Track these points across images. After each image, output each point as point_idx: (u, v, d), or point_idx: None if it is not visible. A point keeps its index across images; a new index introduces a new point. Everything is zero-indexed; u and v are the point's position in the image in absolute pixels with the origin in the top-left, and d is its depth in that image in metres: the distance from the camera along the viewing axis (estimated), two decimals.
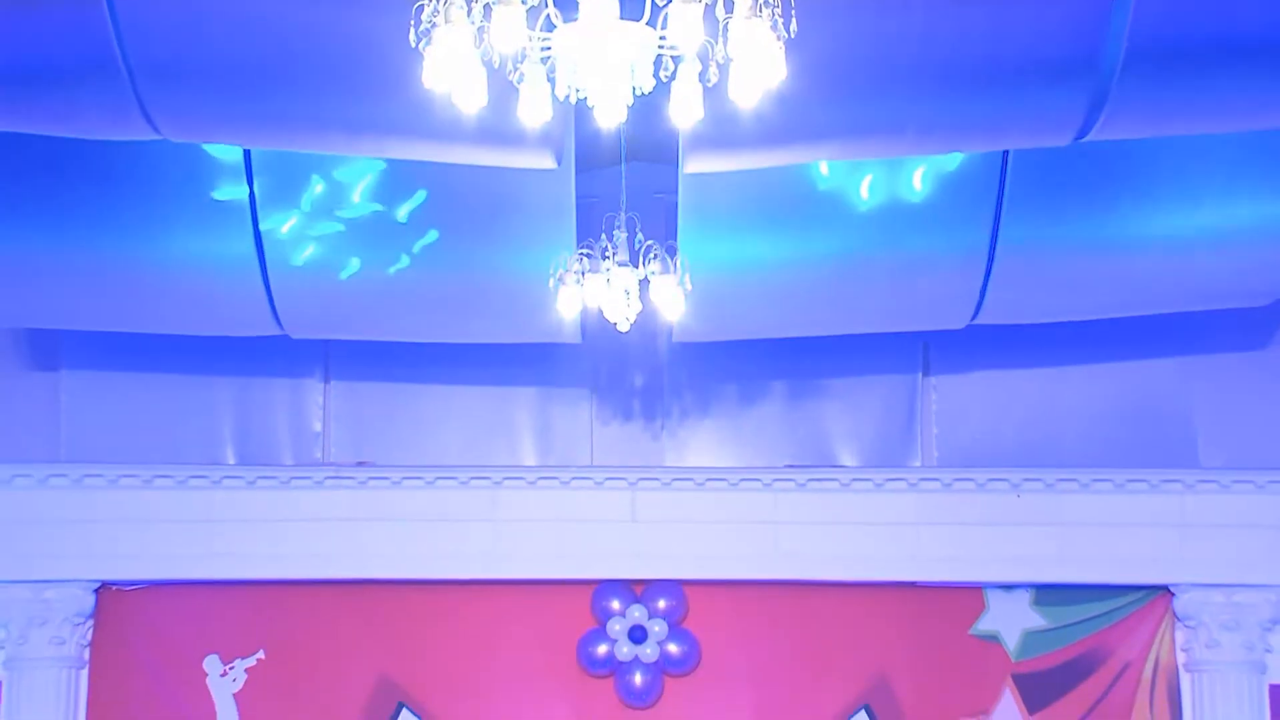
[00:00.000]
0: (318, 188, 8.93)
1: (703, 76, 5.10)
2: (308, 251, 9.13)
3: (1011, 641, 10.12)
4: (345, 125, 7.64)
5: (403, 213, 9.02)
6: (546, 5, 4.87)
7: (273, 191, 8.87)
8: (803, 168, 8.68)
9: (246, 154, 8.72)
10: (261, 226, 8.94)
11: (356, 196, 8.97)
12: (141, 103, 7.36)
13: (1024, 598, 10.13)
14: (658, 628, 10.05)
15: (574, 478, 10.08)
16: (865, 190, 8.94)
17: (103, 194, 8.87)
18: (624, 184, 8.55)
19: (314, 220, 9.02)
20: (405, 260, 9.22)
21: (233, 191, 8.83)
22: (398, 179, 8.85)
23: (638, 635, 10.04)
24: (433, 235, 9.11)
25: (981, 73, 7.35)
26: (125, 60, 7.17)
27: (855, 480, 10.05)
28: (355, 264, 9.23)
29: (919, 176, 8.87)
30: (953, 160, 8.79)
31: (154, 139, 7.76)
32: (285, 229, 9.02)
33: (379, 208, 9.01)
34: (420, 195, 8.93)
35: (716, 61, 5.02)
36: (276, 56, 7.15)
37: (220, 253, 9.05)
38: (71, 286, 9.18)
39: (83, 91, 7.35)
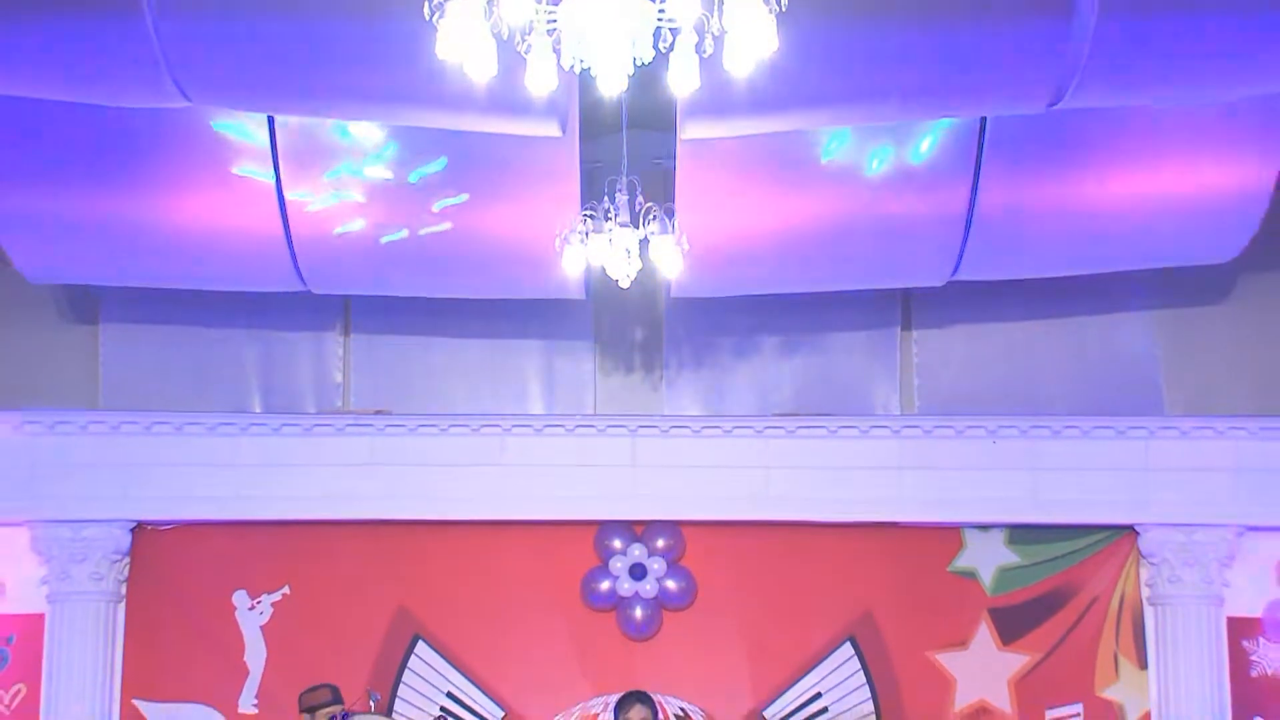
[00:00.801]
0: (339, 155, 8.93)
1: (699, 48, 5.12)
2: (329, 214, 9.14)
3: (987, 577, 10.10)
4: (363, 94, 7.67)
5: (419, 178, 9.03)
6: None
7: (296, 158, 8.88)
8: (795, 137, 8.69)
9: (270, 120, 8.70)
10: (286, 194, 8.97)
11: (376, 164, 8.98)
12: (172, 73, 7.39)
13: (999, 537, 10.11)
14: (656, 565, 10.06)
15: (578, 425, 10.06)
16: (849, 157, 8.97)
17: (138, 162, 8.89)
18: (625, 150, 8.52)
19: (335, 186, 9.03)
20: (421, 222, 9.24)
21: (258, 160, 8.86)
22: (414, 147, 8.85)
23: (638, 572, 10.05)
24: (448, 199, 9.10)
25: (959, 45, 7.37)
26: (157, 33, 7.19)
27: (841, 428, 10.02)
28: (375, 226, 9.24)
29: (904, 149, 8.92)
30: (935, 133, 8.81)
31: (185, 106, 7.79)
32: (308, 194, 9.02)
33: (397, 174, 9.02)
34: (438, 162, 8.94)
35: (712, 33, 5.05)
36: (299, 29, 7.18)
37: (247, 217, 9.09)
38: (109, 247, 9.24)
39: (117, 63, 7.40)
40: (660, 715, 9.59)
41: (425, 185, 9.10)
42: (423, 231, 9.29)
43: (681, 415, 10.23)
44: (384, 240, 9.31)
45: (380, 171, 9.03)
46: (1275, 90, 8.28)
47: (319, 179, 9.03)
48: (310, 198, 9.04)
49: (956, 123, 8.73)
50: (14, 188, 8.95)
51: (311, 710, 8.90)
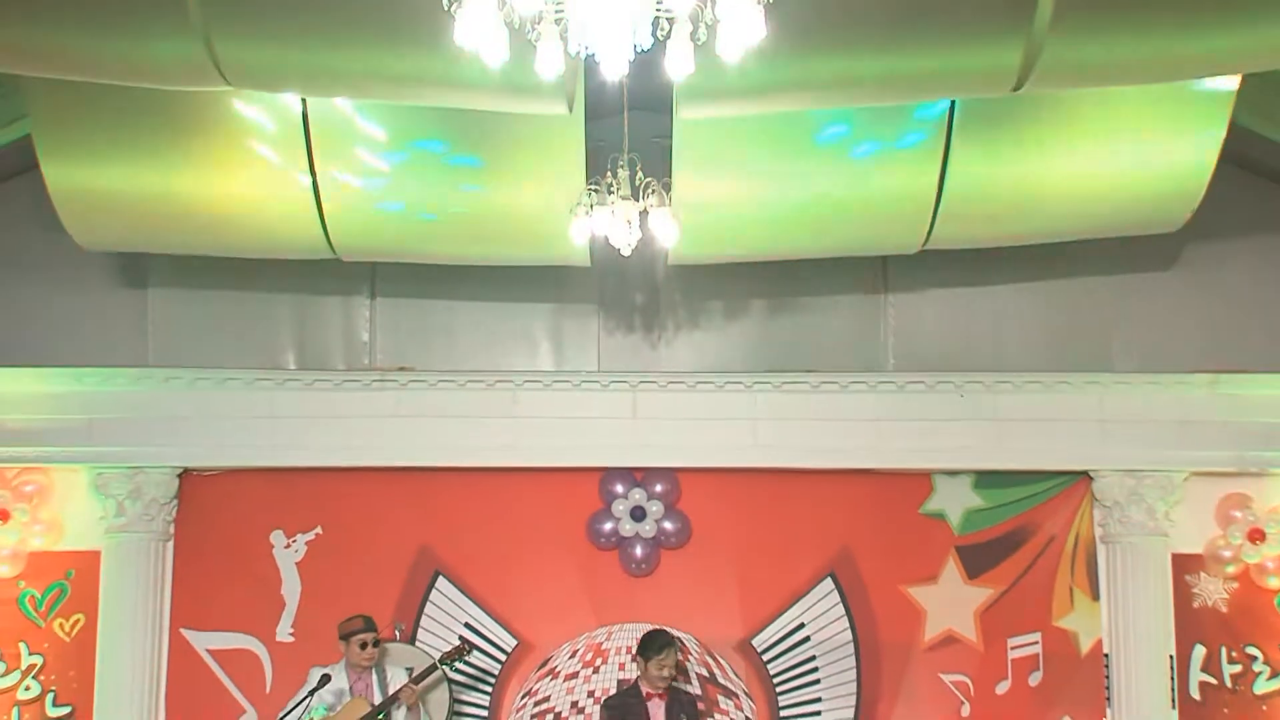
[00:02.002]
0: (367, 134, 8.92)
1: (694, 35, 5.14)
2: (357, 188, 9.12)
3: (955, 519, 10.12)
4: (389, 76, 7.62)
5: (439, 155, 9.02)
6: None
7: (327, 137, 8.88)
8: (784, 119, 8.68)
9: (304, 102, 8.69)
10: (317, 169, 8.94)
11: (400, 142, 8.98)
12: (215, 59, 7.36)
13: (966, 482, 10.13)
14: (655, 508, 10.08)
15: (583, 381, 10.06)
16: (839, 138, 8.97)
17: (183, 140, 8.87)
18: (626, 129, 8.48)
19: (363, 162, 9.02)
20: (441, 195, 9.23)
21: (293, 138, 8.87)
22: (434, 126, 8.84)
23: (638, 515, 10.07)
24: (467, 174, 9.10)
25: (930, 34, 7.35)
26: (201, 22, 7.17)
27: (823, 383, 10.01)
28: (399, 199, 9.23)
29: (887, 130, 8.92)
30: (910, 114, 8.81)
31: (225, 89, 7.78)
32: (340, 171, 9.02)
33: (420, 152, 9.02)
34: (454, 139, 8.92)
35: (705, 23, 5.07)
36: (332, 18, 7.15)
37: (283, 192, 9.08)
38: (157, 217, 9.19)
39: (162, 49, 7.36)
40: (682, 654, 9.67)
41: (447, 165, 9.09)
42: (446, 207, 9.29)
43: (678, 372, 10.19)
44: (407, 212, 9.30)
45: (403, 150, 9.03)
46: (1227, 73, 8.28)
47: (350, 157, 9.01)
48: (342, 175, 9.03)
49: (929, 105, 8.71)
50: (68, 163, 8.92)
51: (346, 638, 9.00)
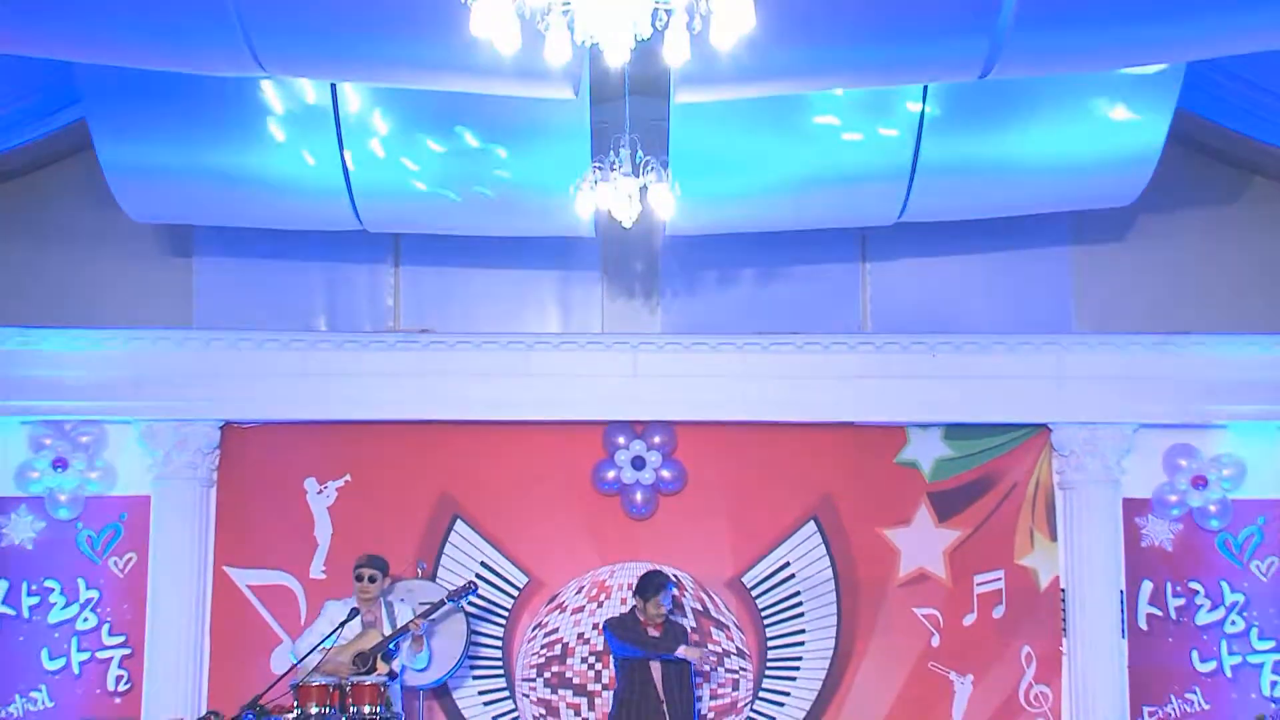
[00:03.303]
0: (391, 120, 8.93)
1: (689, 26, 5.19)
2: (383, 166, 9.10)
3: (926, 467, 10.13)
4: (411, 64, 7.61)
5: (459, 139, 9.01)
6: None
7: (356, 121, 8.90)
8: (773, 103, 8.63)
9: (333, 88, 8.69)
10: (346, 148, 8.95)
11: (423, 127, 8.98)
12: (252, 48, 7.37)
13: (937, 433, 10.14)
14: (654, 458, 10.10)
15: (589, 342, 10.06)
16: (827, 121, 8.98)
17: (224, 122, 8.88)
18: (627, 112, 8.49)
19: (390, 142, 9.01)
20: (461, 175, 9.21)
21: (325, 121, 8.88)
22: (452, 111, 8.82)
23: (638, 464, 10.09)
24: (485, 156, 9.08)
25: (902, 25, 7.34)
26: (239, 15, 7.16)
27: (807, 344, 10.00)
28: (421, 175, 9.21)
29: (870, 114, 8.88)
30: (888, 104, 8.80)
31: (261, 75, 7.78)
32: (366, 151, 9.01)
33: (439, 135, 9.01)
34: (471, 122, 8.91)
35: (700, 14, 5.13)
36: (360, 10, 7.15)
37: (317, 169, 9.07)
38: (200, 192, 9.20)
39: (203, 39, 7.35)
40: (679, 591, 9.75)
41: (467, 148, 9.05)
42: (465, 187, 9.24)
43: (674, 334, 10.19)
44: (428, 188, 9.27)
45: (425, 132, 9.02)
46: (1184, 60, 8.23)
47: (376, 140, 9.01)
48: (368, 156, 9.02)
49: (905, 89, 8.68)
50: (122, 141, 8.93)
51: (359, 576, 8.98)
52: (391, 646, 8.76)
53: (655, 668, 8.70)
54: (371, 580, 8.87)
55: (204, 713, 9.25)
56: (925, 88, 8.68)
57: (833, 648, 10.02)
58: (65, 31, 7.36)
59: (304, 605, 9.92)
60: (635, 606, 8.86)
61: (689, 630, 9.30)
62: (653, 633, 8.76)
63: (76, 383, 9.81)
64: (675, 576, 9.80)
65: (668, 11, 5.14)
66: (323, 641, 8.58)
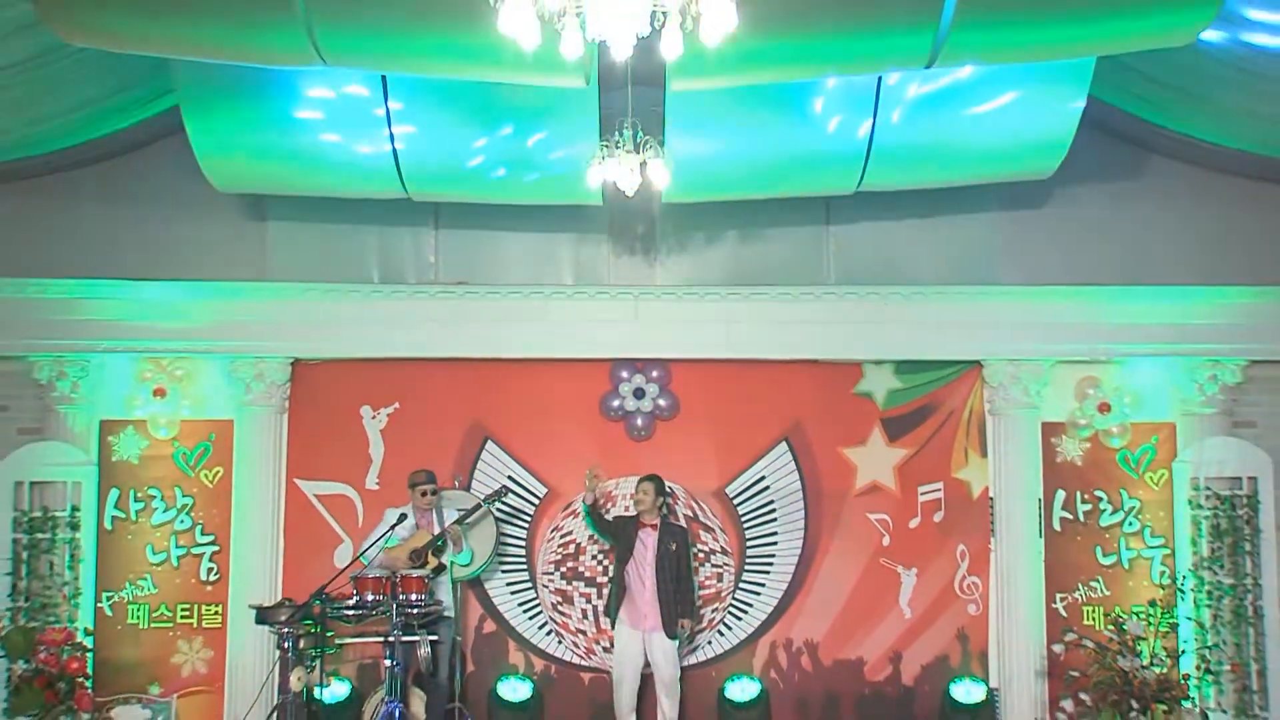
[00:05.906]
0: (432, 106, 8.90)
1: (682, 25, 5.24)
2: (426, 146, 9.07)
3: (879, 397, 10.15)
4: (449, 56, 7.60)
5: (486, 121, 8.98)
6: None
7: (405, 109, 8.88)
8: (751, 90, 8.63)
9: (382, 79, 8.66)
10: (394, 130, 8.95)
11: (457, 111, 8.92)
12: (315, 44, 7.41)
13: (888, 369, 10.14)
14: (652, 389, 10.13)
15: (597, 292, 10.06)
16: (807, 107, 8.92)
17: (296, 105, 8.89)
18: (630, 99, 8.47)
19: (430, 126, 8.96)
20: (489, 151, 9.18)
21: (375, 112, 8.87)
22: (483, 99, 8.80)
23: (639, 394, 10.12)
24: (509, 135, 9.01)
25: (858, 25, 7.38)
26: (306, 18, 7.21)
27: (780, 294, 10.00)
28: (456, 152, 9.18)
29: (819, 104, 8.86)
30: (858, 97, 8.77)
31: (321, 67, 7.74)
32: (410, 133, 8.98)
33: (472, 117, 8.98)
34: (498, 108, 8.89)
35: (692, 15, 5.17)
36: (407, 12, 7.19)
37: (370, 150, 9.08)
38: (272, 164, 9.21)
39: (269, 37, 7.40)
40: (673, 499, 9.84)
41: (496, 132, 9.02)
42: (495, 161, 9.19)
43: (670, 285, 10.17)
44: (464, 165, 9.23)
45: (460, 119, 8.99)
46: (1113, 52, 8.11)
47: (416, 121, 8.97)
48: (414, 137, 8.97)
49: (862, 77, 8.67)
50: (210, 124, 8.93)
51: (412, 486, 9.15)
52: (440, 542, 8.89)
53: (638, 551, 8.97)
54: (432, 492, 9.02)
55: (280, 598, 9.39)
56: (879, 76, 8.64)
57: (800, 547, 10.03)
58: (142, 32, 7.37)
59: (360, 511, 9.95)
60: (638, 511, 9.02)
61: (684, 530, 9.36)
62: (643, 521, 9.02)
63: (170, 327, 9.83)
64: (671, 487, 9.86)
65: (664, 13, 5.17)
66: (380, 540, 8.71)
